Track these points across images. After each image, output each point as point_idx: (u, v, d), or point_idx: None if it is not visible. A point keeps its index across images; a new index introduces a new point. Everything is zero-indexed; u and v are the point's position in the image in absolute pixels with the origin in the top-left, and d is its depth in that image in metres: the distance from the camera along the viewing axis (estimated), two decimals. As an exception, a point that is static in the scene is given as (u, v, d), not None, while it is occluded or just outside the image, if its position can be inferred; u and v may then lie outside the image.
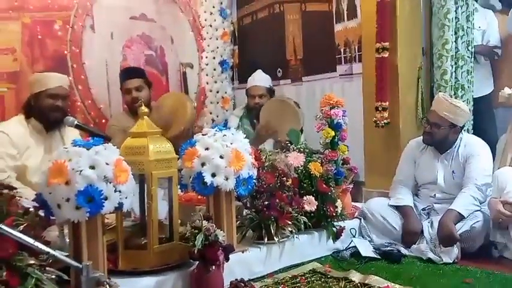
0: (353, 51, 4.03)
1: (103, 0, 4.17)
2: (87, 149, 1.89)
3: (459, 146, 3.10)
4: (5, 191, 1.82)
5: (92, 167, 1.84)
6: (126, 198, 1.94)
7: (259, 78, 4.12)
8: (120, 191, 1.91)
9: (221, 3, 4.87)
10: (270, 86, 4.12)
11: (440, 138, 3.07)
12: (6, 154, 2.90)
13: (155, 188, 2.14)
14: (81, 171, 1.81)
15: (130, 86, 3.60)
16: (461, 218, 2.85)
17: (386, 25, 3.64)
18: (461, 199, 2.91)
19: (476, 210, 2.88)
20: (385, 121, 3.64)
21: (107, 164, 1.87)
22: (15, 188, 1.89)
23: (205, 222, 2.16)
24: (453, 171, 3.08)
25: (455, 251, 2.76)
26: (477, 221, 2.83)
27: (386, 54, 3.63)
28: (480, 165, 2.99)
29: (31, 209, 1.90)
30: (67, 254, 1.88)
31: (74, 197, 1.80)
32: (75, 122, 3.04)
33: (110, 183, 1.87)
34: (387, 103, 3.65)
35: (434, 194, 3.13)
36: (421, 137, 3.19)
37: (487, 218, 2.84)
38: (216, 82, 4.87)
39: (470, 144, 3.09)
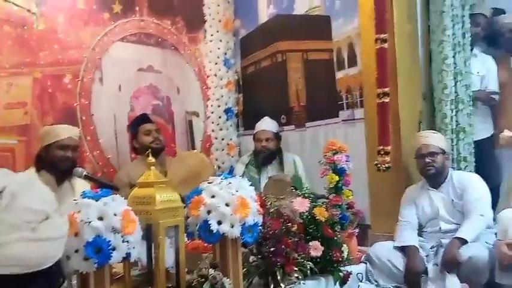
0: (355, 97, 4.12)
1: (112, 54, 4.31)
2: (96, 200, 1.94)
3: (452, 179, 3.23)
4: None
5: (100, 218, 1.89)
6: (133, 248, 1.98)
7: (267, 123, 4.24)
8: (127, 241, 1.95)
9: (225, 53, 5.03)
10: (277, 131, 4.21)
11: (440, 166, 3.22)
12: None
13: (163, 237, 2.18)
14: (89, 222, 1.86)
15: (150, 128, 3.74)
16: (464, 242, 2.89)
17: (385, 71, 3.74)
18: (463, 226, 3.00)
19: (478, 236, 2.94)
20: (387, 165, 3.69)
21: (115, 214, 1.92)
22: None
23: (211, 270, 2.19)
24: (452, 200, 3.19)
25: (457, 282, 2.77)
26: (482, 251, 2.85)
27: (387, 99, 3.71)
28: (477, 195, 3.10)
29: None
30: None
31: (83, 248, 1.85)
32: (84, 173, 3.11)
33: (118, 233, 1.91)
34: (389, 147, 3.71)
35: (440, 228, 3.19)
36: (417, 184, 3.28)
37: (492, 253, 2.84)
38: (221, 129, 4.96)
39: (463, 177, 3.27)
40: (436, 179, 3.27)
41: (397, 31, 3.73)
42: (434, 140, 3.29)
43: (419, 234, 3.28)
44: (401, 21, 3.77)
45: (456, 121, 3.71)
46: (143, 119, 3.96)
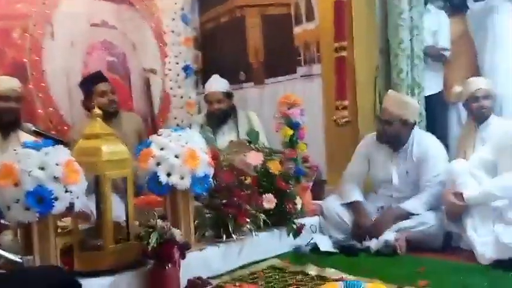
0: (312, 53, 4.11)
1: (63, 8, 4.15)
2: (37, 150, 1.90)
3: (412, 144, 3.13)
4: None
5: (42, 168, 1.86)
6: (77, 198, 1.97)
7: (216, 84, 4.10)
8: (71, 191, 1.93)
9: (183, 8, 4.90)
10: (228, 90, 4.12)
11: (392, 135, 3.12)
12: None
13: (108, 188, 2.16)
14: (30, 172, 1.83)
15: (105, 89, 3.61)
16: (405, 216, 2.94)
17: (343, 25, 3.72)
18: (412, 200, 3.00)
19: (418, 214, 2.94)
20: (345, 119, 3.71)
21: (57, 164, 1.89)
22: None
23: (159, 221, 2.19)
24: (407, 172, 3.13)
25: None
26: (430, 226, 2.89)
27: (344, 53, 3.71)
28: (433, 169, 3.03)
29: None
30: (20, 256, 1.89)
31: (24, 198, 1.82)
32: (33, 128, 3.04)
33: (60, 183, 1.89)
34: (347, 102, 3.73)
35: (391, 195, 3.17)
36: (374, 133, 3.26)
37: (441, 218, 2.90)
38: (180, 87, 4.88)
39: (423, 144, 3.12)
40: (390, 144, 3.17)
41: (353, -15, 3.71)
42: (398, 106, 3.08)
43: (374, 191, 3.30)
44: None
45: (412, 76, 3.74)
46: (97, 77, 3.80)
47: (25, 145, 1.94)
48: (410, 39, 3.71)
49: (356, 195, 3.16)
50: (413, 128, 3.16)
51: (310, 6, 4.10)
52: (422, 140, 3.15)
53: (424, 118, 3.69)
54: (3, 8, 3.85)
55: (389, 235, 2.85)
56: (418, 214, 2.95)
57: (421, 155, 3.09)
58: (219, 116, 4.04)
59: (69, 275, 1.82)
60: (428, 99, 3.77)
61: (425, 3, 3.82)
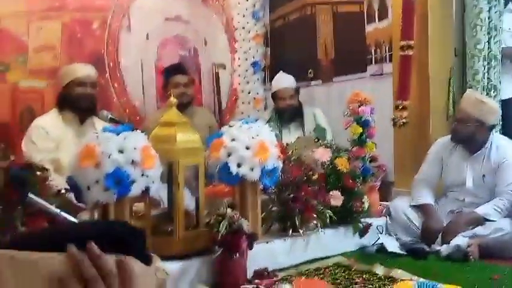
0: (383, 51, 4.03)
1: (139, 2, 4.30)
2: (117, 134, 1.97)
3: (490, 148, 3.00)
4: (39, 172, 1.92)
5: (121, 151, 1.93)
6: (153, 182, 2.02)
7: (286, 80, 4.11)
8: (147, 176, 1.99)
9: (254, 5, 4.95)
10: (294, 87, 4.11)
11: (466, 136, 3.00)
12: (43, 147, 3.03)
13: (181, 175, 2.21)
14: (110, 155, 1.90)
15: (179, 81, 3.72)
16: (479, 222, 2.83)
17: (411, 22, 3.63)
18: (489, 205, 2.87)
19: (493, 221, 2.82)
20: (404, 120, 3.62)
21: (135, 148, 1.96)
22: (48, 170, 1.98)
23: (229, 210, 2.22)
24: (484, 175, 2.99)
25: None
26: (505, 233, 2.77)
27: (410, 52, 3.62)
28: None
29: (62, 192, 2.00)
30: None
31: (103, 179, 1.89)
32: (109, 116, 3.15)
33: (137, 167, 1.95)
34: (407, 102, 3.64)
35: (464, 199, 3.05)
36: (450, 136, 3.16)
37: None
38: (248, 83, 4.93)
39: (504, 148, 2.99)
40: (465, 146, 3.05)
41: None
42: (475, 107, 2.97)
43: (444, 194, 3.21)
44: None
45: (488, 78, 3.61)
46: (175, 69, 3.91)
47: (105, 129, 2.01)
48: (487, 40, 3.58)
49: (427, 198, 3.07)
50: (491, 131, 3.03)
51: (384, 4, 4.01)
52: (502, 145, 3.01)
53: (500, 122, 3.54)
54: (85, 0, 4.03)
55: (461, 240, 2.75)
56: (493, 220, 2.83)
57: (500, 160, 2.95)
58: (286, 112, 4.05)
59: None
60: (504, 103, 3.61)
61: (506, 3, 3.66)
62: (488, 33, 3.57)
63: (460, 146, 3.09)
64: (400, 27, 3.62)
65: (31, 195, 1.59)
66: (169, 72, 3.80)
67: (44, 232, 0.63)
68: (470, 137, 3.01)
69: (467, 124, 2.98)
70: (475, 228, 2.82)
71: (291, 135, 3.96)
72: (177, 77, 3.75)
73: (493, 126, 3.06)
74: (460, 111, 3.07)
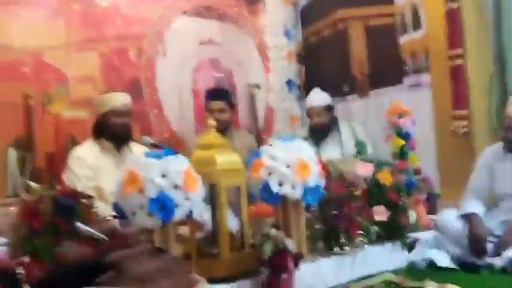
0: (420, 62, 3.97)
1: (174, 27, 4.38)
2: (159, 159, 1.99)
3: None
4: (84, 200, 1.95)
5: (164, 176, 1.94)
6: (196, 206, 2.02)
7: (315, 99, 4.11)
8: (190, 199, 1.99)
9: (286, 24, 4.98)
10: (328, 103, 4.09)
11: None
12: (84, 176, 3.08)
13: (224, 197, 2.20)
14: (153, 179, 1.91)
15: (214, 107, 3.76)
16: None
17: (457, 32, 3.58)
18: None
19: None
20: (465, 129, 3.55)
21: (177, 172, 1.96)
22: (93, 197, 2.01)
23: (273, 230, 2.19)
24: None
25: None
26: None
27: (460, 62, 3.57)
28: None
29: (108, 218, 2.02)
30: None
31: (147, 205, 1.90)
32: (150, 141, 3.18)
33: (180, 191, 1.96)
34: (466, 111, 3.57)
35: None
36: (498, 143, 3.06)
37: None
38: (283, 101, 4.94)
39: None
40: None
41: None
42: None
43: (495, 204, 3.11)
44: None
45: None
46: (212, 94, 3.96)
47: (148, 154, 2.03)
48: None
49: (473, 207, 2.97)
50: None
51: (417, 15, 3.97)
52: None
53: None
54: (120, 29, 4.14)
55: (515, 252, 2.64)
56: None
57: None
58: (320, 129, 4.04)
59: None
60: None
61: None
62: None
63: (510, 154, 2.99)
64: (446, 37, 3.57)
65: (79, 225, 1.62)
66: (208, 97, 3.85)
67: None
68: None
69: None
70: None
71: (329, 152, 3.93)
72: (212, 103, 3.79)
73: None
74: (507, 119, 2.97)
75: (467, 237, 2.85)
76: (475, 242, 2.83)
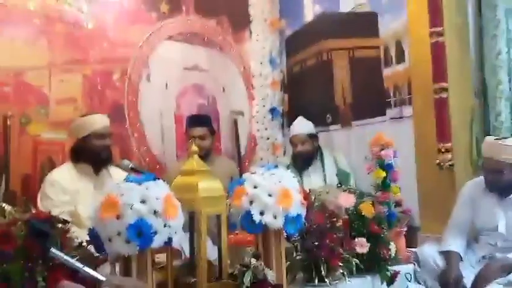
0: (403, 95, 4.02)
1: (159, 52, 4.38)
2: (139, 184, 1.94)
3: None
4: (59, 225, 1.89)
5: (143, 201, 1.89)
6: (175, 233, 1.97)
7: (299, 127, 4.15)
8: (169, 226, 1.94)
9: (271, 53, 5.01)
10: (312, 132, 4.11)
11: (507, 184, 2.93)
12: (59, 201, 3.01)
13: (204, 225, 2.16)
14: (132, 205, 1.87)
15: (194, 134, 3.76)
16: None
17: (442, 65, 3.63)
18: None
19: None
20: (450, 162, 3.57)
21: (157, 198, 1.92)
22: (69, 222, 1.95)
23: (253, 260, 2.15)
24: None
25: None
26: None
27: (444, 95, 3.61)
28: None
29: (84, 244, 1.96)
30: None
31: (125, 231, 1.85)
32: (130, 165, 3.14)
33: (160, 217, 1.91)
34: (450, 144, 3.60)
35: (496, 243, 2.97)
36: (480, 177, 3.08)
37: None
38: (266, 129, 4.94)
39: None
40: (502, 190, 2.97)
41: (446, 25, 3.62)
42: (506, 152, 2.89)
43: (475, 239, 3.11)
44: (451, 15, 3.65)
45: (510, 119, 3.56)
46: (193, 121, 3.96)
47: (128, 179, 1.99)
48: (509, 80, 3.55)
49: (454, 245, 2.98)
50: None
51: (401, 48, 4.03)
52: None
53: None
54: (105, 52, 4.12)
55: (496, 287, 2.63)
56: None
57: None
58: (303, 157, 4.05)
59: None
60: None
61: (526, 43, 3.65)
62: (509, 73, 3.55)
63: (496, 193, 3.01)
64: (431, 70, 3.61)
65: (53, 250, 1.56)
66: (189, 123, 3.84)
67: None
68: (509, 185, 2.92)
69: (503, 172, 2.90)
70: (510, 275, 2.70)
71: (311, 180, 3.93)
72: (193, 130, 3.81)
73: None
74: (489, 162, 2.98)
75: (439, 275, 2.86)
76: (443, 280, 2.85)
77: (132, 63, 4.23)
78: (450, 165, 3.54)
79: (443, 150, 3.57)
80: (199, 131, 3.80)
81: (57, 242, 1.79)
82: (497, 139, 3.04)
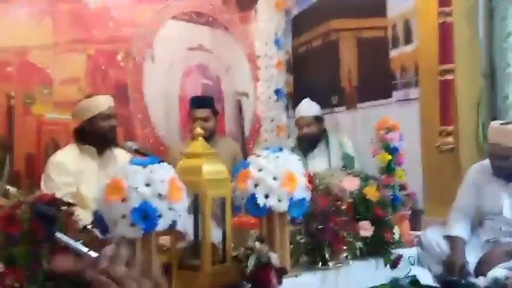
0: (410, 76, 3.97)
1: (164, 32, 4.34)
2: (143, 167, 1.93)
3: None
4: (64, 207, 1.89)
5: (147, 185, 1.88)
6: (179, 216, 1.97)
7: (305, 108, 4.09)
8: (174, 209, 1.93)
9: (276, 33, 4.96)
10: (318, 114, 4.07)
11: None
12: (62, 183, 3.00)
13: (209, 207, 2.15)
14: (137, 188, 1.86)
15: (198, 116, 3.72)
16: None
17: (449, 47, 3.58)
18: None
19: None
20: (450, 146, 3.54)
21: (162, 181, 1.91)
22: (74, 205, 1.95)
23: (258, 244, 2.15)
24: None
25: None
26: None
27: (450, 77, 3.56)
28: None
29: (88, 227, 1.96)
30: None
31: (130, 214, 1.84)
32: (134, 147, 3.13)
33: (164, 200, 1.90)
34: (451, 127, 3.56)
35: (500, 228, 2.94)
36: (486, 160, 3.05)
37: None
38: (271, 110, 4.91)
39: None
40: (509, 175, 2.92)
41: (456, 6, 3.56)
42: (510, 137, 2.84)
43: (480, 223, 3.11)
44: (461, -4, 3.59)
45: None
46: (196, 102, 3.92)
47: (133, 162, 1.97)
48: (517, 63, 3.51)
49: (458, 230, 2.97)
50: None
51: (408, 28, 3.97)
52: None
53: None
54: (109, 32, 4.08)
55: (499, 272, 2.63)
56: None
57: None
58: (309, 140, 4.02)
59: None
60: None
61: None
62: (518, 56, 3.51)
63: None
64: (437, 51, 3.56)
65: (58, 234, 1.55)
66: (192, 104, 3.80)
67: None
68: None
69: (509, 158, 2.86)
70: None
71: (316, 162, 3.91)
72: (196, 111, 3.76)
73: None
74: (495, 148, 2.93)
75: (444, 262, 2.85)
76: (448, 266, 2.85)
77: (136, 43, 4.19)
78: (450, 148, 3.51)
79: (444, 133, 3.53)
80: (202, 112, 3.77)
81: (62, 225, 1.78)
82: (502, 124, 2.99)
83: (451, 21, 3.54)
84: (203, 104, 3.85)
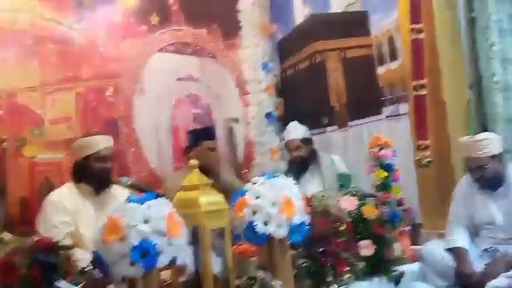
0: (398, 92, 4.00)
1: (151, 65, 4.36)
2: (141, 204, 1.92)
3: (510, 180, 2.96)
4: (62, 251, 1.87)
5: (146, 221, 1.87)
6: (179, 251, 1.95)
7: (293, 131, 4.06)
8: (173, 245, 1.92)
9: (263, 58, 5.00)
10: (306, 136, 4.05)
11: (492, 177, 2.95)
12: (60, 222, 2.96)
13: (208, 239, 2.14)
14: (135, 226, 1.84)
15: (212, 146, 3.67)
16: None
17: (421, 62, 3.61)
18: None
19: None
20: (428, 159, 3.56)
21: (160, 217, 1.90)
22: (72, 247, 1.92)
23: (260, 272, 2.13)
24: None
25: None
26: None
27: (423, 92, 3.60)
28: None
29: (87, 269, 1.93)
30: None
31: (129, 253, 1.83)
32: (129, 182, 3.10)
33: (164, 236, 1.89)
34: (428, 141, 3.59)
35: (494, 236, 2.97)
36: (468, 179, 3.09)
37: None
38: (263, 134, 4.92)
39: None
40: (491, 184, 2.99)
41: (437, 19, 3.61)
42: (480, 148, 2.92)
43: (476, 233, 3.11)
44: (441, 9, 3.63)
45: (506, 110, 3.54)
46: (205, 134, 3.83)
47: (129, 199, 1.96)
48: (503, 72, 3.54)
49: (459, 241, 2.97)
50: (502, 159, 2.97)
51: (393, 45, 4.02)
52: None
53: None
54: (97, 68, 4.10)
55: (500, 281, 2.62)
56: None
57: None
58: (299, 162, 4.00)
59: None
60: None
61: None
62: (503, 65, 3.54)
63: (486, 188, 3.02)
64: (411, 67, 3.61)
65: (58, 284, 1.53)
66: (199, 136, 3.73)
67: None
68: (494, 176, 2.95)
69: (484, 166, 2.92)
70: None
71: (309, 186, 3.88)
72: (208, 143, 3.68)
73: (501, 154, 2.98)
74: (470, 161, 2.99)
75: (455, 275, 2.84)
76: (463, 279, 2.83)
77: (124, 78, 4.21)
78: (428, 162, 3.53)
79: (422, 147, 3.56)
80: (213, 143, 3.72)
81: (61, 270, 1.76)
82: (470, 137, 3.07)
83: (422, 38, 3.57)
84: (211, 136, 3.79)
